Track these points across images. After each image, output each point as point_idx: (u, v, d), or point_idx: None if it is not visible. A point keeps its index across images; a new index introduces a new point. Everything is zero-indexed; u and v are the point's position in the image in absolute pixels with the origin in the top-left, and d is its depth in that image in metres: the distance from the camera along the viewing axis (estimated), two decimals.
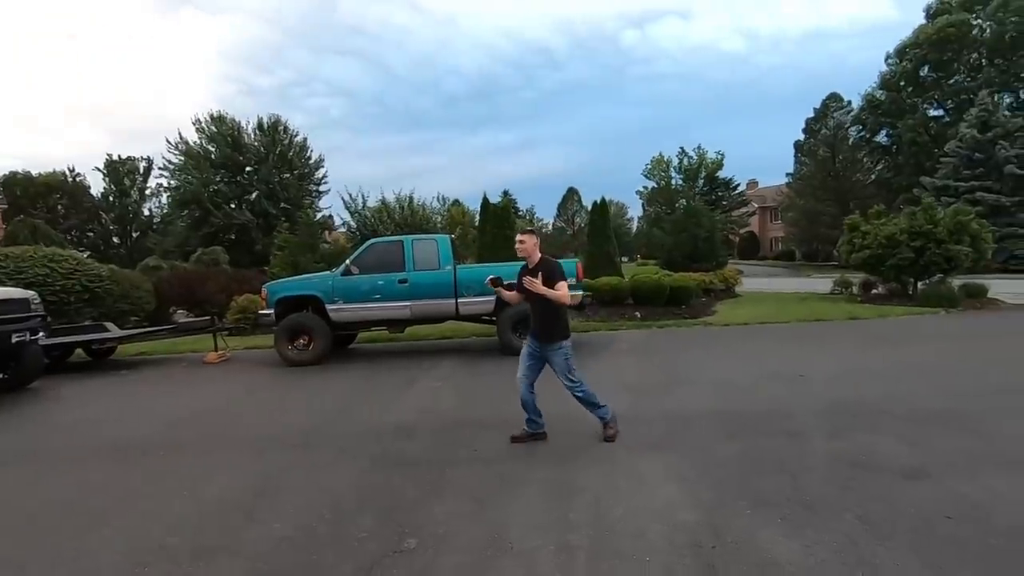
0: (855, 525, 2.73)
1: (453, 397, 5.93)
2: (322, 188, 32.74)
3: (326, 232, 29.96)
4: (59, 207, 37.99)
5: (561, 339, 4.10)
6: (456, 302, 8.50)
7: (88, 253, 34.22)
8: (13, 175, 36.80)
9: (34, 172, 38.19)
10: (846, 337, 9.04)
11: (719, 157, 42.08)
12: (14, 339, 6.70)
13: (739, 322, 11.07)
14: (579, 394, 4.17)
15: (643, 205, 50.18)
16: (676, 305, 13.02)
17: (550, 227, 61.52)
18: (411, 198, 28.63)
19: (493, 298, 8.44)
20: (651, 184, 46.55)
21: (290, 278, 9.74)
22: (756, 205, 49.14)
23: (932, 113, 34.41)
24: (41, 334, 7.30)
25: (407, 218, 27.73)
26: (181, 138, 29.62)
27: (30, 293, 7.55)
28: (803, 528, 2.72)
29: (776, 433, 4.24)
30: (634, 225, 63.57)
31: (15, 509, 3.43)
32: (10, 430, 5.52)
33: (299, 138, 31.59)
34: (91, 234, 38.92)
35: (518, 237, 4.24)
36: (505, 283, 4.41)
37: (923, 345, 8.31)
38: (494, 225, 16.48)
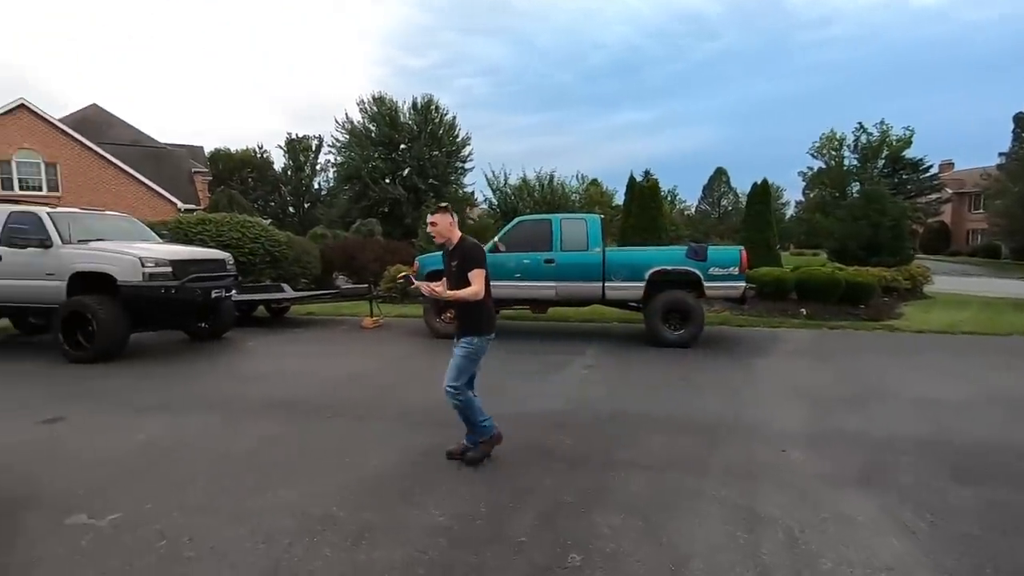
0: None
1: (603, 387, 5.59)
2: (467, 166, 33.86)
3: (468, 208, 31.03)
4: (249, 180, 43.80)
5: (472, 333, 3.47)
6: (603, 286, 8.09)
7: (270, 221, 39.28)
8: (217, 151, 43.12)
9: (232, 149, 44.50)
10: None
11: (907, 134, 36.13)
12: (213, 294, 7.62)
13: (936, 329, 9.30)
14: (456, 401, 3.47)
15: (803, 188, 44.90)
16: (851, 304, 11.34)
17: (692, 210, 57.90)
18: (552, 177, 28.50)
19: (643, 284, 7.92)
20: (817, 164, 41.45)
21: (441, 252, 10.02)
22: (950, 191, 41.62)
23: None
24: (233, 291, 8.24)
25: (546, 196, 27.68)
26: (347, 118, 32.32)
27: (226, 255, 8.55)
28: None
29: (1022, 478, 3.32)
30: (789, 210, 57.45)
31: (206, 456, 3.76)
32: (206, 377, 6.27)
33: (448, 117, 32.84)
34: (272, 204, 44.44)
35: (428, 218, 3.54)
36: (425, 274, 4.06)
37: None
38: (639, 206, 15.69)
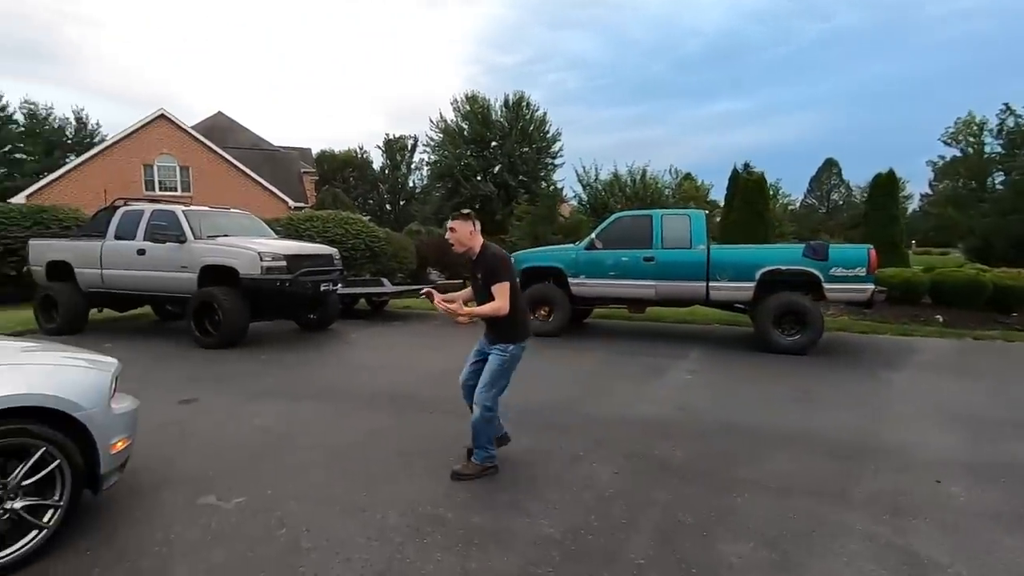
0: None
1: (708, 395, 5.21)
2: (557, 161, 33.65)
3: (558, 204, 30.84)
4: (351, 179, 46.37)
5: (507, 341, 3.29)
6: (707, 286, 7.61)
7: (368, 218, 41.48)
8: (322, 153, 46.07)
9: (336, 150, 47.35)
10: None
11: None
12: (321, 288, 8.03)
13: None
14: (485, 415, 3.23)
15: (931, 179, 40.21)
16: (1000, 311, 9.91)
17: (797, 204, 53.81)
18: (644, 171, 27.59)
19: (752, 284, 7.35)
20: (950, 152, 36.96)
21: (535, 249, 9.93)
22: None
23: None
24: (339, 285, 8.65)
25: (638, 192, 26.84)
26: (441, 117, 33.24)
27: (334, 250, 8.98)
28: None
29: None
30: (911, 204, 51.66)
31: (319, 445, 3.89)
32: (314, 366, 6.59)
33: (539, 113, 32.79)
34: (371, 201, 46.77)
35: (448, 224, 3.31)
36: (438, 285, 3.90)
37: None
38: (744, 200, 14.71)
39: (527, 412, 4.52)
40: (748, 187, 14.89)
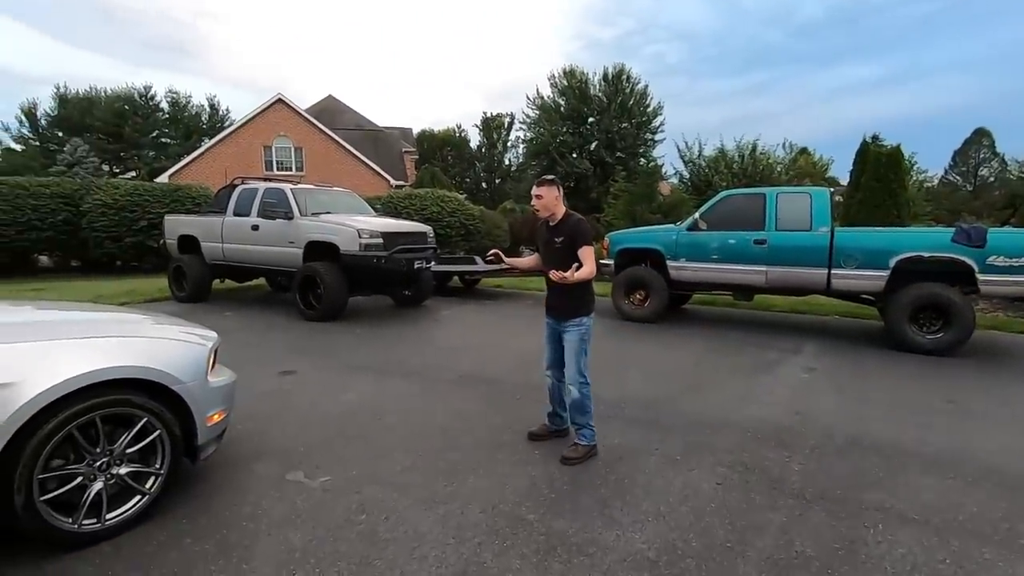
0: None
1: (831, 399, 4.59)
2: (657, 137, 32.06)
3: (658, 182, 29.43)
4: (449, 157, 47.39)
5: (583, 313, 3.31)
6: (829, 273, 6.76)
7: (465, 196, 42.34)
8: (423, 132, 47.37)
9: (435, 129, 48.50)
10: None
11: None
12: (415, 265, 8.14)
13: None
14: (581, 393, 3.29)
15: None
16: None
17: (935, 181, 47.44)
18: (754, 145, 25.54)
19: (885, 273, 6.43)
20: None
21: (632, 229, 9.43)
22: None
23: None
24: (432, 262, 8.73)
25: (746, 168, 24.91)
26: (538, 93, 32.76)
27: (428, 228, 9.06)
28: None
29: None
30: None
31: (404, 426, 3.86)
32: (407, 342, 6.67)
33: (640, 86, 31.30)
34: (467, 180, 47.56)
35: (534, 190, 3.33)
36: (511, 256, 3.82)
37: None
38: (874, 177, 13.03)
39: (616, 406, 4.23)
40: (880, 162, 13.14)
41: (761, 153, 25.81)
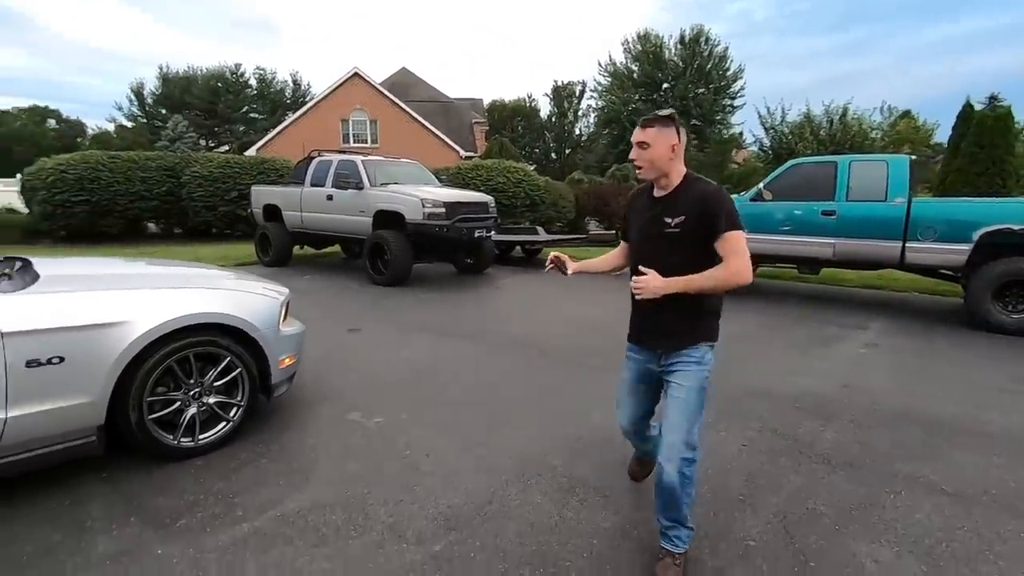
0: None
1: (888, 375, 4.47)
2: (736, 102, 30.42)
3: (734, 150, 28.03)
4: (519, 128, 47.21)
5: (707, 339, 2.07)
6: (903, 246, 6.40)
7: (534, 166, 42.26)
8: (493, 103, 47.39)
9: (506, 99, 48.35)
10: None
11: None
12: (476, 234, 8.45)
13: None
14: (683, 474, 1.95)
15: None
16: None
17: None
18: (845, 109, 23.71)
19: (967, 247, 6.01)
20: None
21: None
22: None
23: None
24: (492, 232, 9.01)
25: (835, 134, 23.23)
26: (611, 60, 31.91)
27: (490, 198, 9.32)
28: None
29: None
30: None
31: (455, 380, 4.20)
32: (466, 307, 7.03)
33: (719, 48, 29.69)
34: (536, 150, 47.24)
35: (636, 134, 1.97)
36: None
37: None
38: (976, 143, 11.89)
39: None
40: (985, 125, 11.93)
41: (853, 117, 23.95)
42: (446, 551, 2.16)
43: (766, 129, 24.78)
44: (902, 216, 6.37)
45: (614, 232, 11.36)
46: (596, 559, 2.13)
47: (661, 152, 1.94)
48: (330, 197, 9.04)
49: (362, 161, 8.98)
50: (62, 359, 2.35)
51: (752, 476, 2.79)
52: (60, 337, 2.35)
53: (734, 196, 8.10)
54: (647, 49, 30.22)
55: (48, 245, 13.29)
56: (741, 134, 30.07)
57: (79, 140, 46.25)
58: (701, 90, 29.58)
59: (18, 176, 16.04)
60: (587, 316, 6.33)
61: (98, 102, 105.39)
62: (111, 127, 43.97)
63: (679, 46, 30.10)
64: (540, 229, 12.42)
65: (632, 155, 2.01)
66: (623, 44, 31.85)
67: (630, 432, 2.37)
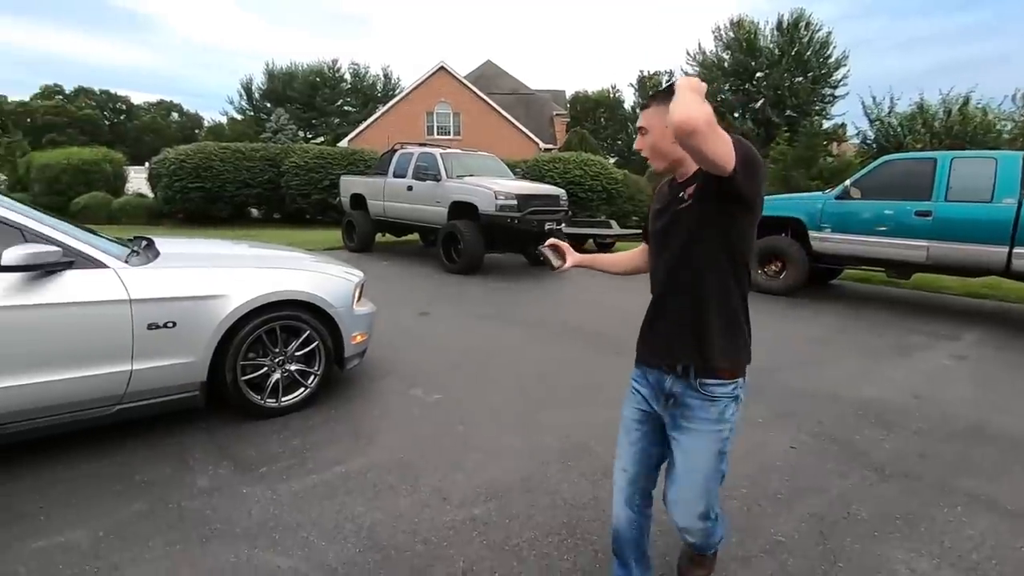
0: None
1: (969, 387, 4.18)
2: (838, 92, 28.26)
3: (833, 144, 26.12)
4: (602, 119, 46.65)
5: (727, 371, 1.56)
6: (1010, 252, 5.84)
7: (615, 159, 41.65)
8: (576, 94, 47.08)
9: (590, 91, 47.88)
10: None
11: None
12: (546, 226, 8.60)
13: None
14: (710, 528, 1.72)
15: None
16: None
17: None
18: (966, 99, 21.44)
19: None
20: None
21: (775, 196, 8.84)
22: None
23: None
24: (562, 224, 9.12)
25: (952, 127, 21.05)
26: (699, 48, 30.65)
27: (561, 191, 9.44)
28: None
29: None
30: None
31: (511, 366, 4.41)
32: (531, 297, 7.23)
33: (821, 33, 27.67)
34: (619, 142, 46.48)
35: (640, 120, 1.60)
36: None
37: None
38: None
39: None
40: None
41: (976, 108, 21.59)
42: (484, 515, 2.37)
43: (871, 121, 22.88)
44: (1010, 219, 5.81)
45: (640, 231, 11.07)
46: None
47: (660, 134, 1.52)
48: (410, 188, 9.53)
49: (441, 154, 9.38)
50: (175, 324, 2.78)
51: (795, 477, 2.78)
52: (174, 305, 2.79)
53: (816, 193, 7.73)
54: (740, 36, 28.75)
55: (168, 226, 14.94)
56: (843, 126, 27.98)
57: (197, 132, 51.10)
58: (799, 79, 27.76)
59: (147, 164, 18.07)
60: (627, 310, 6.31)
61: (214, 95, 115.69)
62: (224, 120, 48.19)
63: (776, 32, 28.38)
64: (613, 223, 12.36)
65: (635, 145, 1.63)
66: (714, 31, 30.48)
67: (630, 484, 1.78)
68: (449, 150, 9.95)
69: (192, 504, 2.39)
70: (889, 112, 22.83)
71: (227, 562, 2.04)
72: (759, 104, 28.41)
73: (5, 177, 23.59)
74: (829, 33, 27.65)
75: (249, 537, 2.18)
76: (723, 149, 1.25)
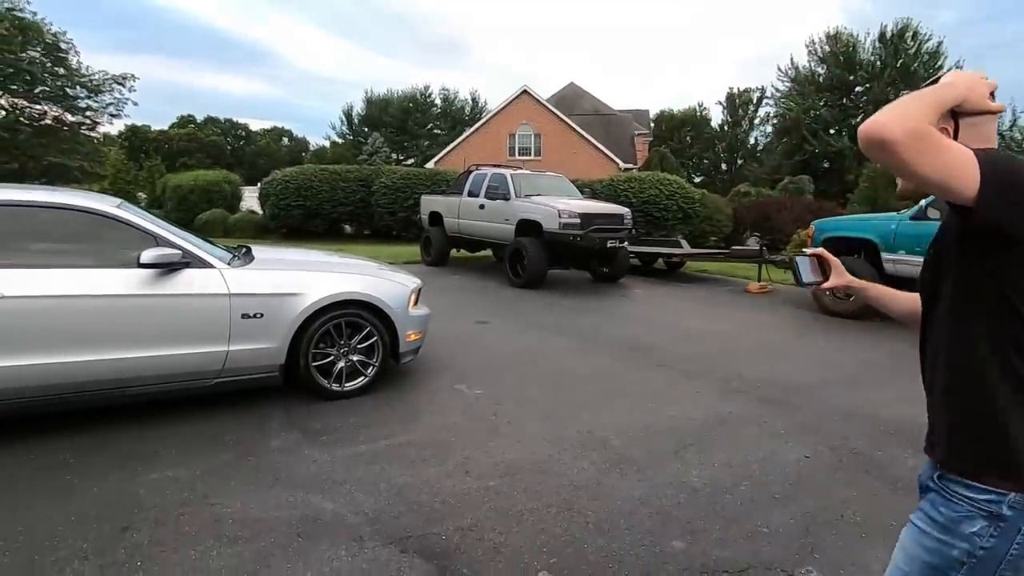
0: None
1: None
2: None
3: None
4: (687, 138, 45.78)
5: (997, 477, 0.99)
6: None
7: (700, 178, 40.66)
8: (661, 113, 46.61)
9: (675, 109, 47.22)
10: None
11: None
12: (609, 244, 8.86)
13: None
14: None
15: None
16: None
17: None
18: None
19: None
20: None
21: (847, 216, 8.56)
22: None
23: None
24: (626, 243, 9.33)
25: None
26: (792, 63, 29.55)
27: (626, 210, 9.66)
28: None
29: None
30: None
31: (553, 371, 4.76)
32: (588, 312, 7.51)
33: (930, 43, 25.79)
34: (705, 161, 45.34)
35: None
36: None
37: None
38: None
39: (753, 385, 4.42)
40: None
41: None
42: (496, 486, 2.75)
43: None
44: None
45: (758, 248, 10.80)
46: (613, 514, 2.54)
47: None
48: (482, 206, 10.15)
49: (511, 174, 9.95)
50: (262, 315, 3.43)
51: (799, 481, 2.91)
52: (262, 299, 3.44)
53: (892, 214, 7.45)
54: (836, 50, 27.42)
55: (272, 240, 16.68)
56: None
57: (303, 154, 55.96)
58: (904, 91, 25.97)
59: (259, 184, 20.28)
60: (708, 330, 6.39)
61: (320, 120, 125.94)
62: (327, 144, 52.50)
63: (878, 44, 26.80)
64: (684, 242, 12.31)
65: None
66: (808, 45, 29.25)
67: None
68: (519, 171, 10.51)
69: (266, 459, 2.97)
70: (1011, 126, 20.89)
71: (286, 501, 2.56)
72: (858, 120, 26.79)
73: (145, 196, 27.33)
74: (940, 43, 25.73)
75: (305, 486, 2.70)
76: (941, 169, 0.89)
